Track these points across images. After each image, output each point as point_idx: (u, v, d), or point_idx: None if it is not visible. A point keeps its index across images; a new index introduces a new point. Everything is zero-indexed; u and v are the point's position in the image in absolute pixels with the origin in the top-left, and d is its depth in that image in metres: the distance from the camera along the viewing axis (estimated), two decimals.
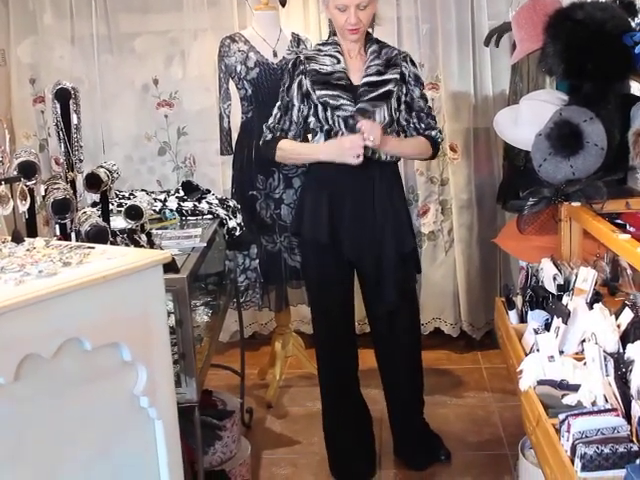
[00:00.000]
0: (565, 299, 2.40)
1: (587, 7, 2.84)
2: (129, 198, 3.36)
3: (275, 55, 3.94)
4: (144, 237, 2.82)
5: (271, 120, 3.25)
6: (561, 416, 1.94)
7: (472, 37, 4.51)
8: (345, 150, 3.02)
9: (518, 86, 4.08)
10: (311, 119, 3.18)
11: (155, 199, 3.39)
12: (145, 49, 4.66)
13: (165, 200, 3.37)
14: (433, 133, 3.24)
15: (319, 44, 3.32)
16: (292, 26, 4.25)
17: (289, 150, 3.23)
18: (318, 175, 3.22)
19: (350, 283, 3.32)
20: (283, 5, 4.05)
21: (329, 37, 3.31)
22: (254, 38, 3.96)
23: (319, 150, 3.16)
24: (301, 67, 3.17)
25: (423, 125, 3.23)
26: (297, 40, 4.04)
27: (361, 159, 3.01)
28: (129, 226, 2.77)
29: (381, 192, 3.15)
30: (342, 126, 3.11)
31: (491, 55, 4.49)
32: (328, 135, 3.14)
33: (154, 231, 2.99)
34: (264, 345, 4.71)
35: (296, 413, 4.07)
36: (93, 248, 1.96)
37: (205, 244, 2.80)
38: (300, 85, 3.17)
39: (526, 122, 3.14)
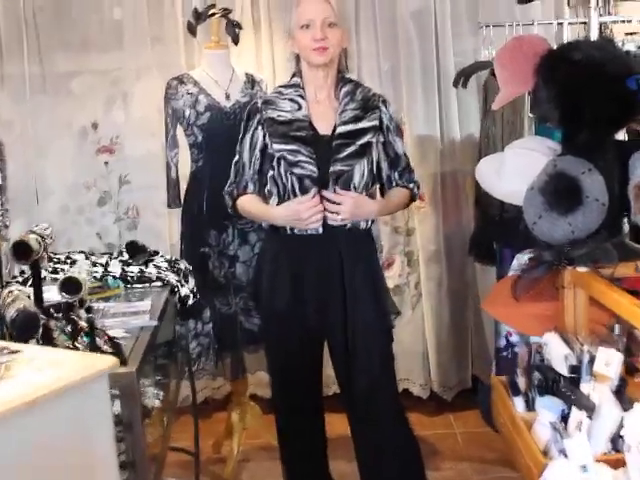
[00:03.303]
0: (585, 387, 2.05)
1: (584, 47, 2.54)
2: (65, 262, 2.98)
3: (228, 98, 3.57)
4: (83, 313, 2.43)
5: (228, 183, 2.91)
6: None
7: (437, 76, 4.24)
8: (302, 219, 2.68)
9: (491, 130, 3.78)
10: (268, 177, 2.79)
11: (95, 263, 2.99)
12: (83, 90, 4.26)
13: (107, 264, 2.98)
14: (412, 186, 2.92)
15: (280, 86, 2.93)
16: (243, 66, 3.90)
17: (245, 211, 2.92)
18: (277, 234, 2.83)
19: (318, 355, 2.95)
20: (236, 43, 3.68)
21: (291, 78, 2.92)
22: (204, 79, 3.59)
23: (273, 215, 2.80)
24: (257, 116, 2.80)
25: (404, 180, 2.90)
26: (251, 81, 3.68)
27: (319, 224, 2.69)
28: (65, 300, 2.39)
29: (349, 257, 2.76)
30: (296, 186, 2.72)
31: (458, 95, 4.21)
32: (281, 198, 2.77)
33: (95, 304, 2.59)
34: (218, 411, 4.32)
35: None
36: (18, 352, 1.56)
37: (156, 322, 2.41)
38: (253, 138, 2.80)
39: (512, 173, 2.83)
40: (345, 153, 2.71)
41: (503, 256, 3.63)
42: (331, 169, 2.69)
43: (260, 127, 2.78)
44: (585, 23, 3.70)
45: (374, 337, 2.80)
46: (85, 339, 2.06)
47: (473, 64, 3.82)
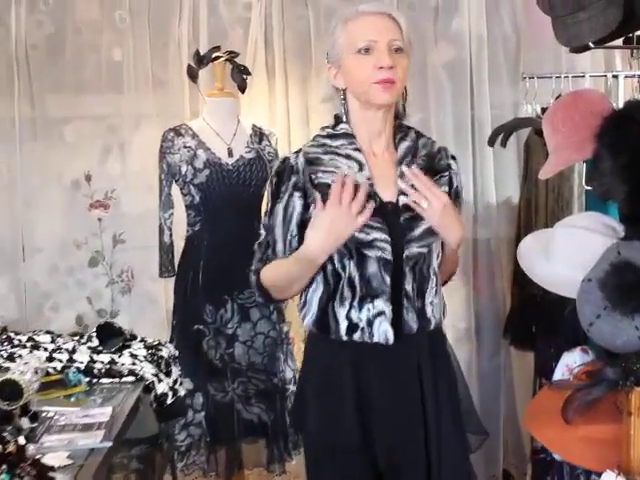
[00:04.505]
0: None
1: None
2: (24, 346, 2.52)
3: (230, 154, 3.14)
4: (26, 423, 1.98)
5: (253, 264, 2.14)
6: None
7: (472, 130, 3.83)
8: (341, 222, 1.93)
9: (532, 195, 3.33)
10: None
11: (60, 348, 2.52)
12: (77, 137, 3.85)
13: (74, 350, 2.51)
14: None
15: (321, 135, 2.15)
16: (254, 117, 3.46)
17: (269, 280, 2.09)
18: (328, 339, 2.08)
19: None
20: (242, 91, 3.26)
21: (337, 124, 2.15)
22: (204, 131, 3.17)
23: (307, 253, 1.99)
24: (293, 179, 2.06)
25: None
26: (259, 134, 3.25)
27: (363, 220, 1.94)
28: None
29: (430, 372, 2.11)
30: (355, 276, 2.03)
31: (495, 153, 3.75)
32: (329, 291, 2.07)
33: (46, 408, 2.12)
34: None
35: None
36: None
37: (110, 443, 1.91)
38: (287, 208, 2.06)
39: (562, 257, 2.33)
40: (420, 230, 2.06)
41: (544, 343, 3.16)
42: (406, 253, 2.04)
43: (298, 193, 2.05)
44: None
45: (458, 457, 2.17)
46: (4, 478, 1.58)
47: (513, 120, 3.37)
